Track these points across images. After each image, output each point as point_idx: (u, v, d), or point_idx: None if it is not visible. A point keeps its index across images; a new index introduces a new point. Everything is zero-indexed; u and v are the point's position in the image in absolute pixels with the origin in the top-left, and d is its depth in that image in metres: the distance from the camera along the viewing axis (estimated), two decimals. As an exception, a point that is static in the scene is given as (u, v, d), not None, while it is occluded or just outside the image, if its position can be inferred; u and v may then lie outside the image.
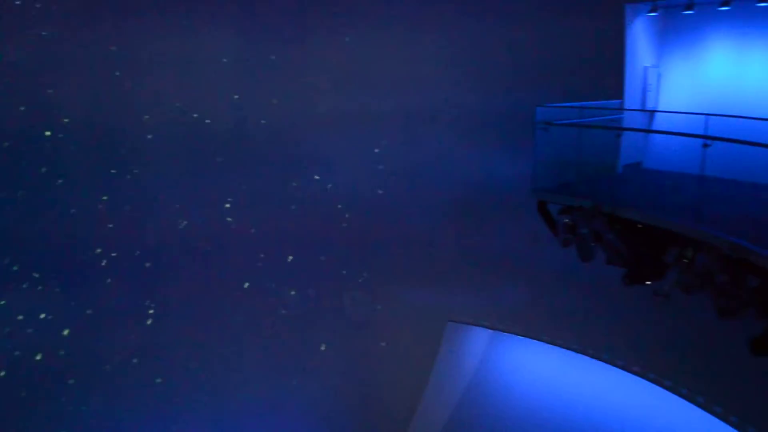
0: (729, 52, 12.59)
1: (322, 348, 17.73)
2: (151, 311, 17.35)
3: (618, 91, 12.79)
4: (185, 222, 17.21)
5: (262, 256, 17.76)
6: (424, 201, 16.09)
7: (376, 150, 17.48)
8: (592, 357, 12.52)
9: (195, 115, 17.64)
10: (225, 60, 17.65)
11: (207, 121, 17.68)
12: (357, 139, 17.53)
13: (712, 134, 9.27)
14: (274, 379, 17.48)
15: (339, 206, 17.83)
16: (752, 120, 10.45)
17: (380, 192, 17.33)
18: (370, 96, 17.10)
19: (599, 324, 11.86)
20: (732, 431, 10.93)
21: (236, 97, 17.79)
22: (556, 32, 12.29)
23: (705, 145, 8.63)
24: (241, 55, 17.56)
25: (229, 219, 17.67)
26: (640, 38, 13.18)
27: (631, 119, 13.16)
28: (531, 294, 12.87)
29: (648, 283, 9.38)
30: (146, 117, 16.96)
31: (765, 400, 9.87)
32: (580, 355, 12.76)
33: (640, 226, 9.84)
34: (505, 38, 12.85)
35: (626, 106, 12.99)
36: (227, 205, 17.86)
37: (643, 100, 13.47)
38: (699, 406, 11.34)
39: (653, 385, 11.93)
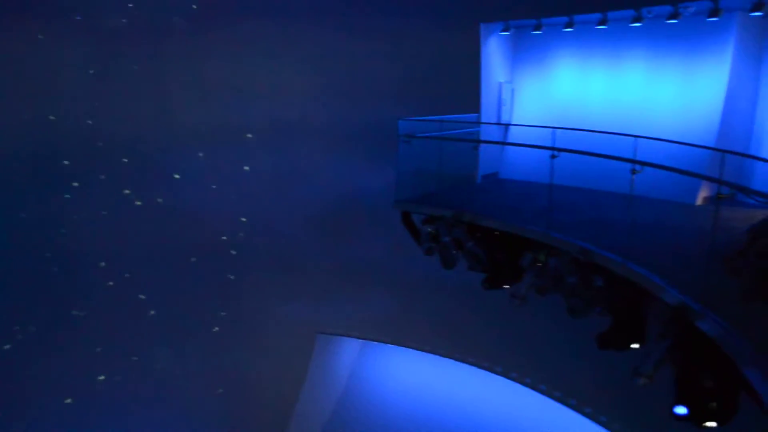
0: (574, 69, 13.58)
1: (189, 366, 17.05)
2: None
3: (475, 106, 13.38)
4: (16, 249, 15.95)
5: (111, 284, 16.83)
6: (292, 214, 15.97)
7: (245, 165, 17.16)
8: (459, 360, 12.93)
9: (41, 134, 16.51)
10: (91, 71, 16.69)
11: (57, 133, 16.57)
12: (224, 152, 17.13)
13: (560, 146, 9.96)
14: (139, 402, 16.59)
15: (204, 219, 17.29)
16: (595, 133, 11.37)
17: (246, 204, 17.01)
18: (236, 109, 16.78)
19: (463, 328, 12.28)
20: (588, 422, 11.70)
21: (94, 107, 16.85)
22: (418, 48, 12.69)
23: (552, 156, 9.18)
24: (103, 65, 16.69)
25: (70, 237, 16.59)
26: (494, 56, 13.88)
27: (487, 132, 13.83)
28: (399, 303, 13.10)
29: (506, 286, 9.81)
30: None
31: (614, 391, 10.60)
32: (447, 359, 13.14)
33: (497, 233, 10.32)
34: (371, 53, 13.09)
35: (483, 120, 13.62)
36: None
37: (499, 114, 14.19)
38: (557, 400, 12.03)
39: (516, 384, 12.50)
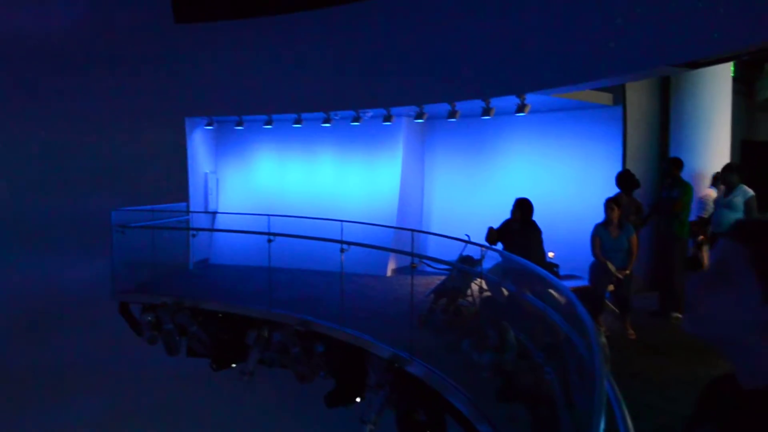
0: (273, 161, 15.02)
1: None
2: None
3: (184, 195, 13.88)
4: None
5: None
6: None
7: None
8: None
9: None
10: None
11: None
12: None
13: (265, 230, 11.03)
14: None
15: None
16: (298, 218, 12.76)
17: None
18: None
19: (190, 414, 12.21)
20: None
21: None
22: (128, 139, 12.84)
23: (269, 240, 10.16)
24: None
25: None
26: (199, 147, 14.66)
27: (196, 220, 14.39)
28: (120, 399, 12.48)
29: (234, 365, 10.33)
30: None
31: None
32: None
33: (220, 315, 10.85)
34: (80, 144, 12.75)
35: (192, 209, 14.17)
36: None
37: (206, 203, 14.88)
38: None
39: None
